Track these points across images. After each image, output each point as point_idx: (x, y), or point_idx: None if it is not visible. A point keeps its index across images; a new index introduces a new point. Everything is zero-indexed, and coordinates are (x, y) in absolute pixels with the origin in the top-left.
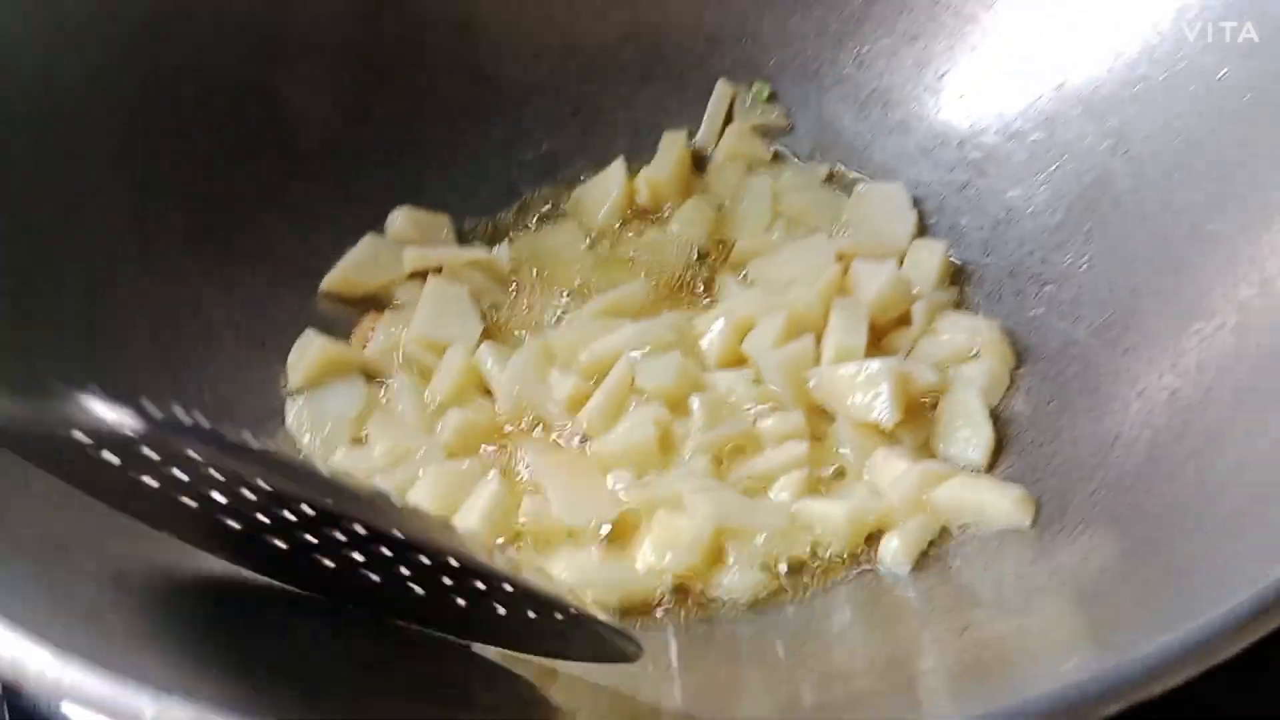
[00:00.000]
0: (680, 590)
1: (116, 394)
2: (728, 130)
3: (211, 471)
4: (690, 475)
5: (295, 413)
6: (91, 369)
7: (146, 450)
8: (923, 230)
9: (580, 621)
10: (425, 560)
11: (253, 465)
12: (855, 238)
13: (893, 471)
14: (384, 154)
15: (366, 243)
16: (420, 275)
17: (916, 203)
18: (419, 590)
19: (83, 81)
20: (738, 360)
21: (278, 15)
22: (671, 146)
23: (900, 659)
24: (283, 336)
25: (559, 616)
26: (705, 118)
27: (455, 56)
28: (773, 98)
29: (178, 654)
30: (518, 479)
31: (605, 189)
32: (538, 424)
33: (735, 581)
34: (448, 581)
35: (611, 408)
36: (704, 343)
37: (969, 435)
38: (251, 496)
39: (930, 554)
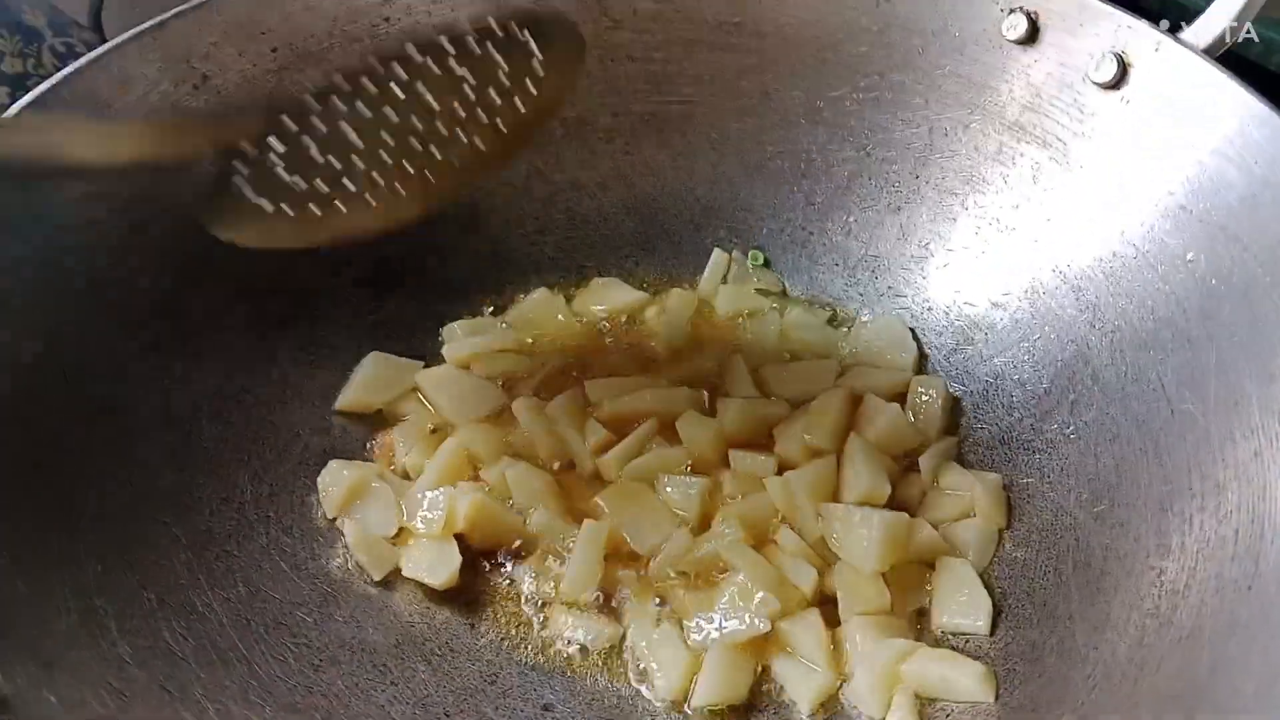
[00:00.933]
0: None
1: None
2: (726, 288)
3: None
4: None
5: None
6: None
7: None
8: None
9: None
10: None
11: None
12: (861, 365)
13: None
14: (403, 333)
15: (372, 360)
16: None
17: None
18: None
19: (119, 285)
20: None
21: None
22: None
23: None
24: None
25: None
26: (702, 280)
27: (465, 237)
28: (767, 264)
29: None
30: None
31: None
32: None
33: None
34: None
35: None
36: None
37: (968, 603)
38: None
39: None
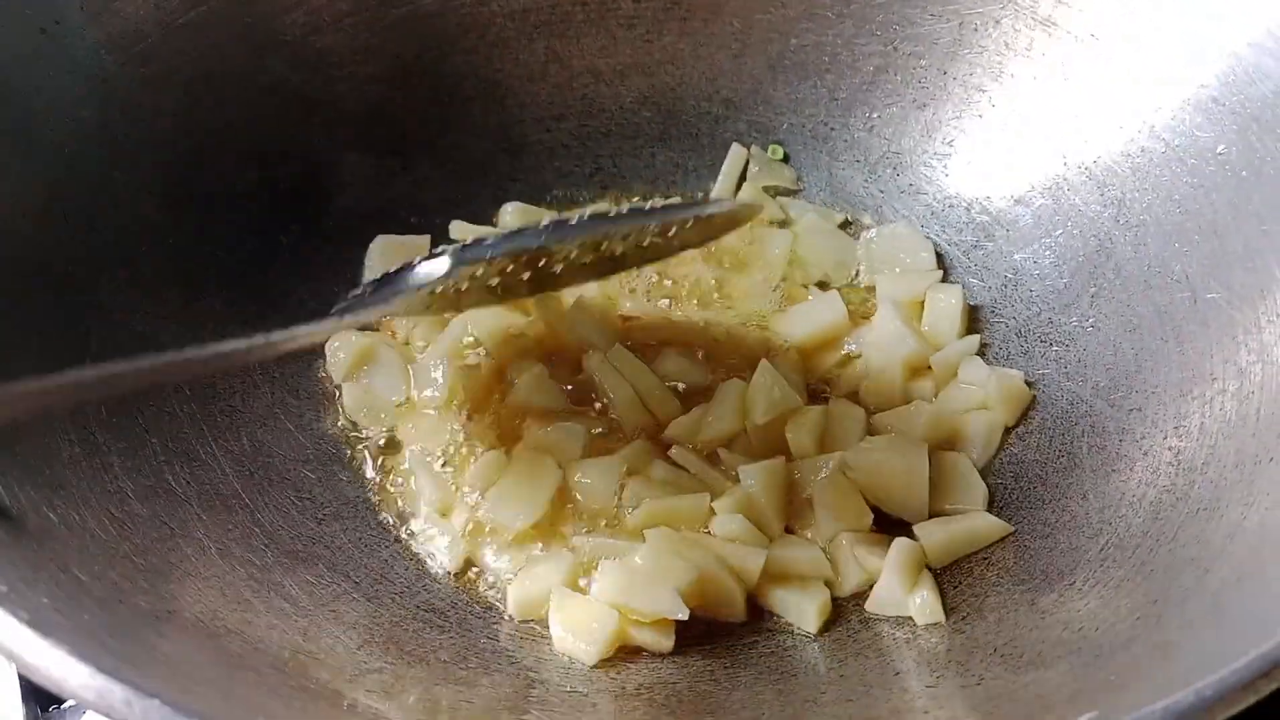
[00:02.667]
0: None
1: None
2: (742, 189)
3: None
4: None
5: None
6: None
7: None
8: None
9: None
10: None
11: None
12: (884, 272)
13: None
14: (413, 211)
15: (381, 243)
16: None
17: None
18: None
19: (133, 141)
20: None
21: (311, 80)
22: None
23: (917, 709)
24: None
25: None
26: (719, 177)
27: (481, 118)
28: (786, 159)
29: None
30: None
31: None
32: None
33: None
34: None
35: None
36: None
37: (961, 489)
38: None
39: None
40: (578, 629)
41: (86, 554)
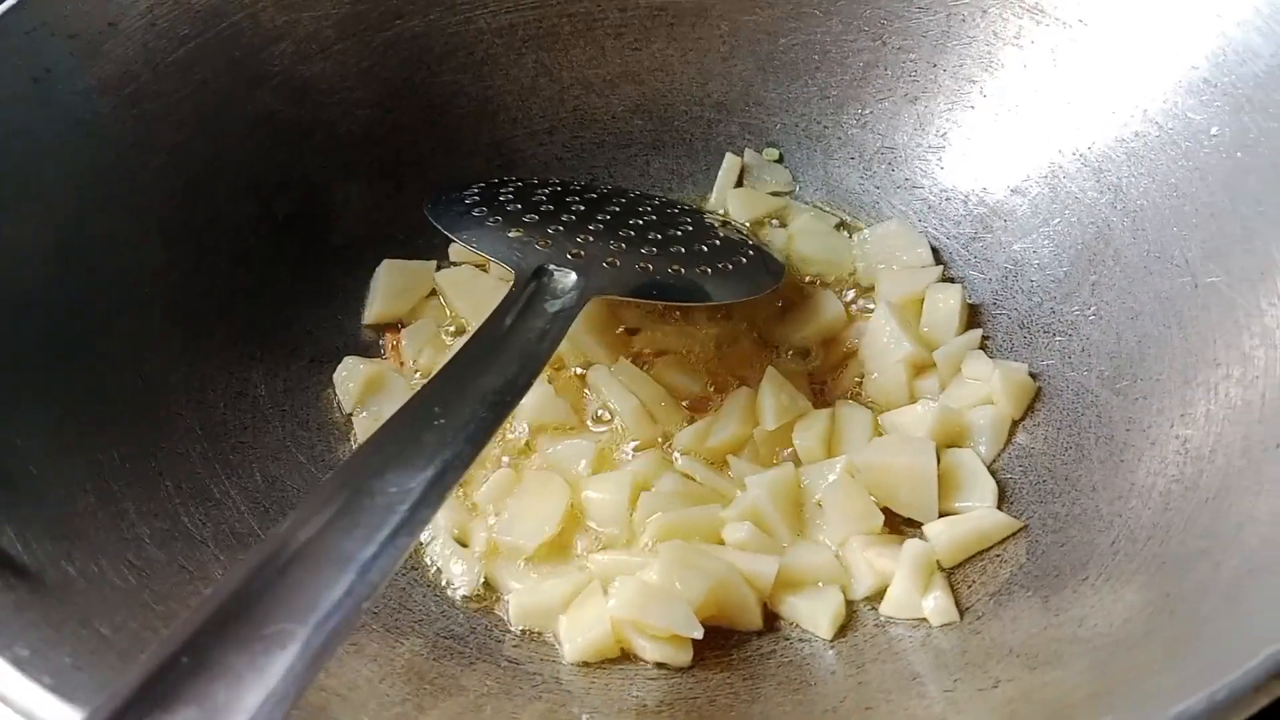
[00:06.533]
0: None
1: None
2: (737, 193)
3: None
4: None
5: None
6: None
7: None
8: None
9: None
10: None
11: None
12: (882, 276)
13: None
14: (409, 233)
15: (386, 268)
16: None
17: None
18: None
19: (130, 181)
20: None
21: (301, 108)
22: None
23: (936, 715)
24: (324, 414)
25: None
26: (715, 187)
27: (473, 136)
28: (780, 160)
29: None
30: None
31: None
32: None
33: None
34: None
35: None
36: None
37: (971, 488)
38: None
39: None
40: (582, 630)
41: (107, 606)
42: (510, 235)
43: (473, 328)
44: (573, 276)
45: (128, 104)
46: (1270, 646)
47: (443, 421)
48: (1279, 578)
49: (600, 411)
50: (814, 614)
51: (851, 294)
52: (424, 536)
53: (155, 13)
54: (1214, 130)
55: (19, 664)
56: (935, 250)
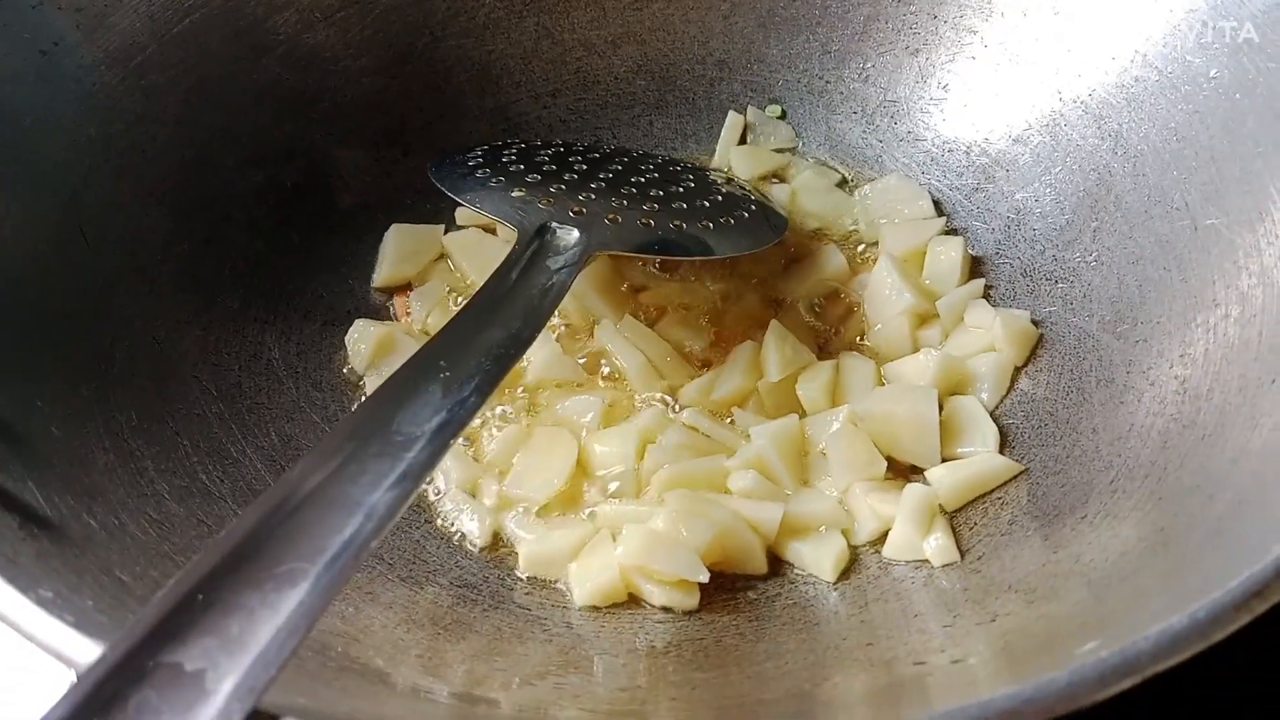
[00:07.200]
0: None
1: None
2: (741, 150)
3: None
4: None
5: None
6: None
7: None
8: None
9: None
10: None
11: None
12: (886, 229)
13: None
14: (416, 198)
15: (395, 232)
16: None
17: None
18: None
19: (138, 153)
20: None
21: (306, 77)
22: None
23: (935, 648)
24: (336, 375)
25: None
26: (719, 145)
27: (477, 100)
28: (783, 116)
29: None
30: None
31: None
32: None
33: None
34: None
35: None
36: None
37: (974, 433)
38: None
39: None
40: (591, 575)
41: (128, 556)
42: (513, 195)
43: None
44: (575, 233)
45: (135, 75)
46: (1250, 567)
47: (448, 374)
48: (1265, 509)
49: (607, 368)
50: (818, 557)
51: (861, 248)
52: (435, 493)
53: None
54: (1213, 73)
55: (43, 604)
56: (938, 202)
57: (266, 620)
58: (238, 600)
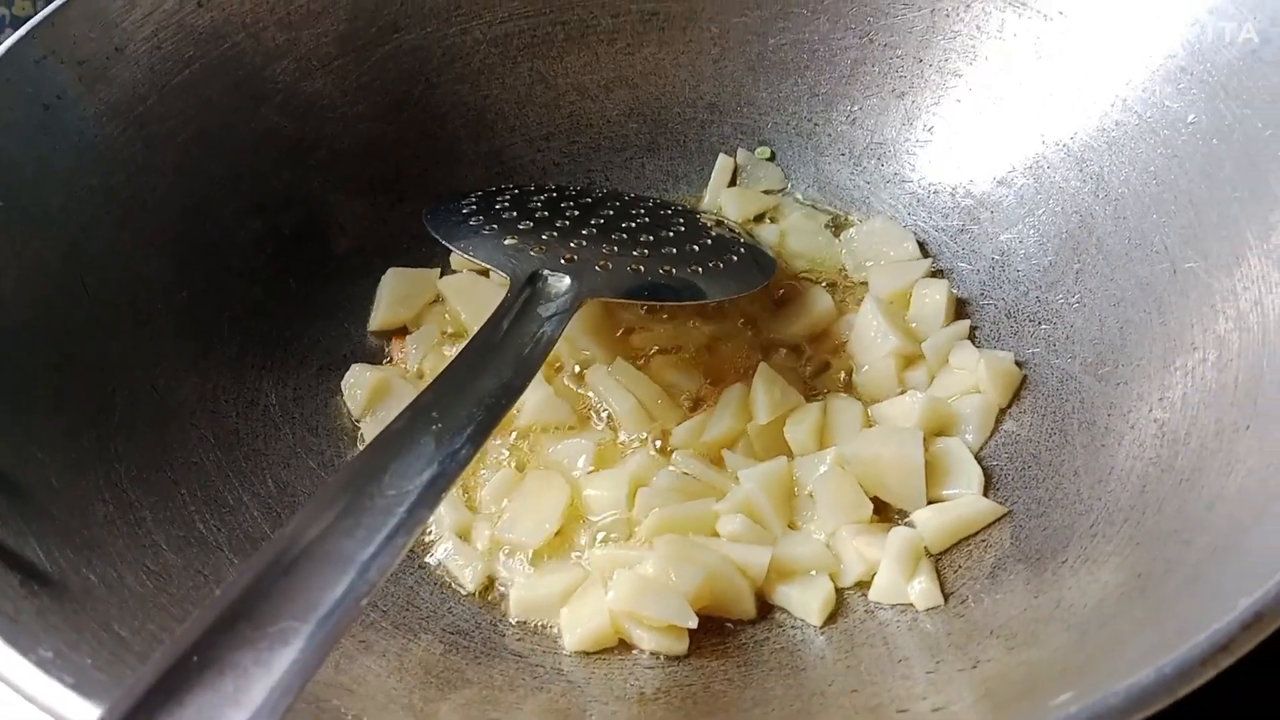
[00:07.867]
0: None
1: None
2: (731, 192)
3: None
4: None
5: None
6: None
7: None
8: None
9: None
10: None
11: None
12: (872, 271)
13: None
14: (411, 242)
15: (392, 276)
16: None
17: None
18: None
19: (139, 203)
20: None
21: (304, 125)
22: None
23: (918, 694)
24: (333, 420)
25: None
26: (709, 187)
27: (472, 145)
28: (772, 158)
29: None
30: None
31: None
32: None
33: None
34: None
35: None
36: None
37: (958, 475)
38: None
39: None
40: (581, 621)
41: (126, 610)
42: (506, 242)
43: (473, 332)
44: (566, 280)
45: (135, 126)
46: (1214, 624)
47: (440, 425)
48: (1239, 555)
49: (602, 410)
50: (805, 601)
51: (848, 290)
52: (429, 536)
53: (160, 36)
54: (1191, 118)
55: (43, 665)
56: (924, 244)
57: (260, 679)
58: (232, 659)
